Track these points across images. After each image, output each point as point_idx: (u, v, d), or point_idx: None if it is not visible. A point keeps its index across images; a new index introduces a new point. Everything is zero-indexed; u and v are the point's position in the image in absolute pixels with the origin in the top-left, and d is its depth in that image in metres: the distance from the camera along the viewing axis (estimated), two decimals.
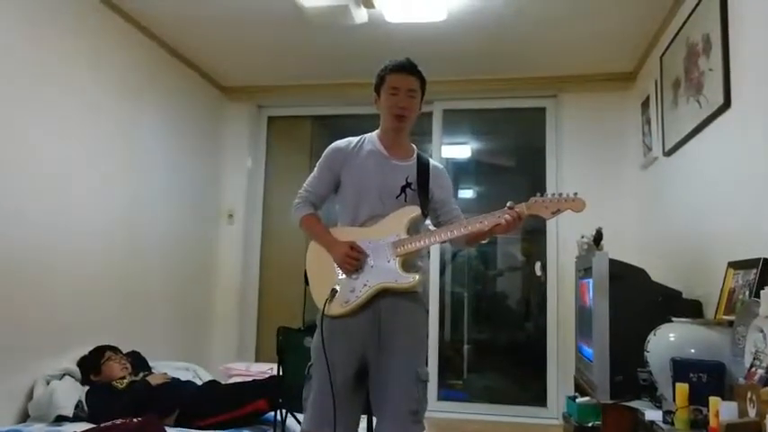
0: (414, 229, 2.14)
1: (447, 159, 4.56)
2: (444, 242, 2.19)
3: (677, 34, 3.02)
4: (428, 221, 2.27)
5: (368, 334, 2.07)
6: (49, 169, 2.89)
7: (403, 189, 2.16)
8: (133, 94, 3.53)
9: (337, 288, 2.08)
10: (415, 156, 2.25)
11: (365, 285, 2.07)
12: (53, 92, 2.92)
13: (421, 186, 2.18)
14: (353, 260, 2.07)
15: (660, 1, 3.08)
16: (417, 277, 2.09)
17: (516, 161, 4.90)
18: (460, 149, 4.82)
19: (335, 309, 2.07)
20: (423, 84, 2.19)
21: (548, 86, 4.23)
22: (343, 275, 2.10)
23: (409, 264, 2.12)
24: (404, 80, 2.14)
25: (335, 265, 2.11)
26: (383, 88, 2.17)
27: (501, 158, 4.97)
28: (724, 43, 2.43)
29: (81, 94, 3.11)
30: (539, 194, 2.06)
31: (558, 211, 2.04)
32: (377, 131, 2.26)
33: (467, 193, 5.02)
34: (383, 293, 2.07)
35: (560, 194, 2.05)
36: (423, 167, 2.22)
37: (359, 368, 2.08)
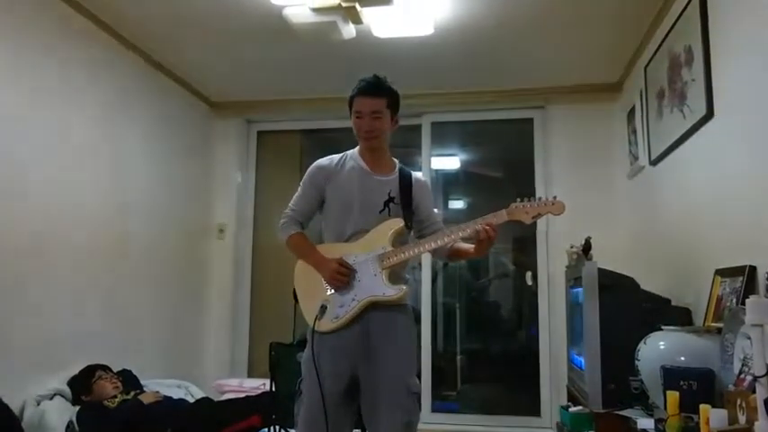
0: (398, 241, 2.17)
1: (436, 171, 4.58)
2: (429, 252, 2.21)
3: (660, 45, 3.07)
4: (412, 234, 2.30)
5: (358, 348, 2.08)
6: (36, 186, 2.88)
7: (386, 204, 2.19)
8: (121, 110, 3.53)
9: (326, 304, 2.09)
10: (396, 170, 2.28)
11: (354, 300, 2.08)
12: (40, 109, 2.92)
13: (404, 200, 2.21)
14: (343, 277, 2.08)
15: (643, 12, 3.13)
16: (405, 288, 2.11)
17: (505, 171, 4.93)
18: (449, 161, 4.84)
19: (326, 325, 2.08)
20: (392, 99, 2.20)
21: (535, 98, 4.26)
22: (332, 291, 2.11)
23: (396, 276, 2.15)
24: (366, 103, 2.16)
25: (324, 281, 2.12)
26: (351, 110, 2.20)
27: (490, 169, 5.00)
28: (705, 54, 2.47)
29: (68, 110, 3.10)
30: (519, 200, 2.09)
31: (538, 215, 2.08)
32: (358, 148, 2.29)
33: (456, 204, 5.04)
34: (372, 307, 2.09)
35: (539, 198, 2.08)
36: (405, 181, 2.25)
37: (349, 382, 2.08)
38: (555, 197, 2.07)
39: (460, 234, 2.10)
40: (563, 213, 2.05)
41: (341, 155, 2.29)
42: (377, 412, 2.04)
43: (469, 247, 2.19)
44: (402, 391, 2.05)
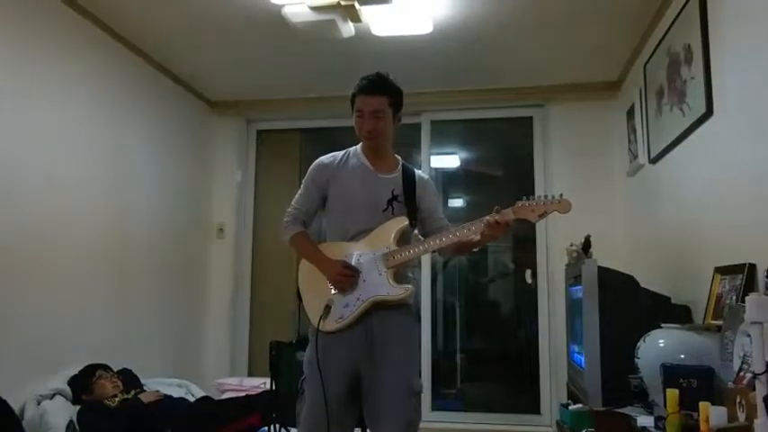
0: (403, 240, 2.15)
1: (436, 169, 4.58)
2: (434, 251, 2.20)
3: (659, 43, 3.07)
4: (416, 232, 2.29)
5: (361, 347, 2.07)
6: (35, 185, 2.87)
7: (389, 202, 2.17)
8: (120, 109, 3.53)
9: (331, 304, 2.08)
10: (400, 167, 2.26)
11: (358, 300, 2.07)
12: (39, 108, 2.91)
13: (408, 198, 2.19)
14: (346, 279, 2.07)
15: (642, 11, 3.13)
16: (410, 288, 2.10)
17: (504, 170, 4.93)
18: (449, 159, 4.85)
19: (330, 324, 2.07)
20: (394, 98, 2.16)
21: (534, 96, 4.26)
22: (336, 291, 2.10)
23: (400, 275, 2.13)
24: (367, 102, 2.12)
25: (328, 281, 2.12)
26: (353, 108, 2.18)
27: (489, 167, 5.00)
28: (705, 52, 2.47)
29: (67, 109, 3.10)
30: (525, 198, 2.06)
31: (544, 214, 2.03)
32: (361, 144, 2.26)
33: (456, 203, 5.04)
34: (376, 306, 2.08)
35: (546, 196, 2.04)
36: (408, 178, 2.23)
37: (352, 382, 2.08)
38: (561, 195, 2.02)
39: (465, 232, 2.07)
40: (569, 212, 2.01)
41: (344, 152, 2.27)
42: (379, 412, 2.03)
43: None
44: (405, 391, 2.04)
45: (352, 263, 2.11)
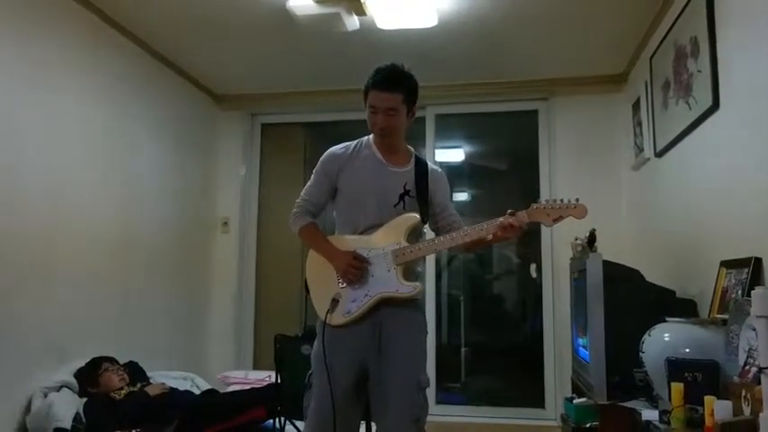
0: (414, 236, 2.13)
1: (440, 163, 4.57)
2: (444, 249, 2.17)
3: (666, 36, 3.05)
4: (426, 226, 2.27)
5: (368, 342, 2.07)
6: (41, 178, 2.88)
7: (401, 197, 2.14)
8: (125, 103, 3.54)
9: (338, 298, 2.07)
10: (412, 160, 2.22)
11: (366, 295, 2.06)
12: (43, 101, 2.92)
13: (420, 192, 2.16)
14: (357, 271, 2.05)
15: (649, 2, 3.11)
16: (418, 285, 2.08)
17: (509, 163, 4.92)
18: (454, 153, 4.84)
19: (337, 319, 2.06)
20: (409, 93, 2.11)
21: (539, 89, 4.25)
22: (345, 284, 2.09)
23: (409, 272, 2.11)
24: (382, 99, 2.06)
25: (336, 274, 2.10)
26: (366, 102, 2.12)
27: (494, 161, 4.99)
28: (711, 45, 2.46)
29: (72, 103, 3.11)
30: (540, 200, 2.03)
31: (559, 218, 2.01)
32: (373, 135, 2.22)
33: (461, 197, 5.03)
34: (383, 302, 2.07)
35: (561, 200, 2.01)
36: (421, 173, 2.20)
37: (359, 376, 2.08)
38: (577, 199, 1.99)
39: (478, 231, 2.04)
40: (585, 217, 1.98)
41: (356, 142, 2.23)
42: (386, 407, 2.03)
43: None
44: (412, 387, 2.03)
45: None
